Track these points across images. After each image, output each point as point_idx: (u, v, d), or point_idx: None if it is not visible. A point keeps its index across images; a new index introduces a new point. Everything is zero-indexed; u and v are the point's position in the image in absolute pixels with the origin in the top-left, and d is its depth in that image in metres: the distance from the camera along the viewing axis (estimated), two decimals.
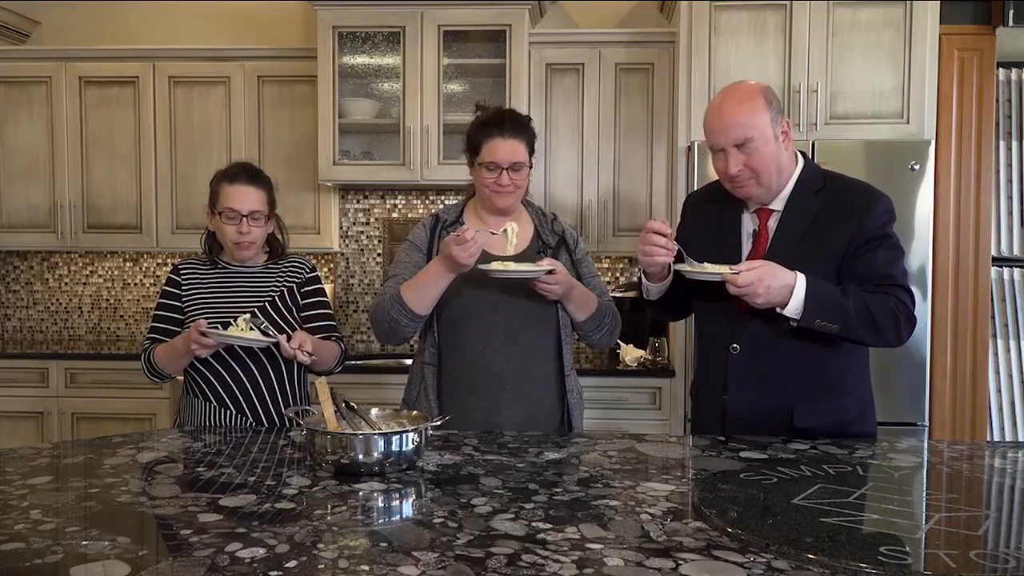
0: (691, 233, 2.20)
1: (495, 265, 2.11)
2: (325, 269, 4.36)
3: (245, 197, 2.29)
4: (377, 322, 2.25)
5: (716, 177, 2.11)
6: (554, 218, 2.39)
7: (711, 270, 1.95)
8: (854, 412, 2.07)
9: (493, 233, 2.23)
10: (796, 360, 2.00)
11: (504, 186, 2.21)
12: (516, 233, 2.22)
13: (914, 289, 2.06)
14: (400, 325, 2.19)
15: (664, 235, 2.00)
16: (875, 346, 2.02)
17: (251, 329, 2.15)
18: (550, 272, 2.11)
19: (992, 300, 3.58)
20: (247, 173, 2.35)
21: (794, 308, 1.90)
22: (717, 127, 1.99)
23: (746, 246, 2.08)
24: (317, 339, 2.29)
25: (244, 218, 2.28)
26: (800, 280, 1.90)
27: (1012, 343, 3.61)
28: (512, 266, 2.12)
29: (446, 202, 4.16)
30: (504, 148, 2.21)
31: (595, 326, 2.31)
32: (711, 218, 2.16)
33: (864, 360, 2.11)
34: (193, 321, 2.21)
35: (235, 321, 2.18)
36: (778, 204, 2.06)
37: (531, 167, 2.28)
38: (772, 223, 2.06)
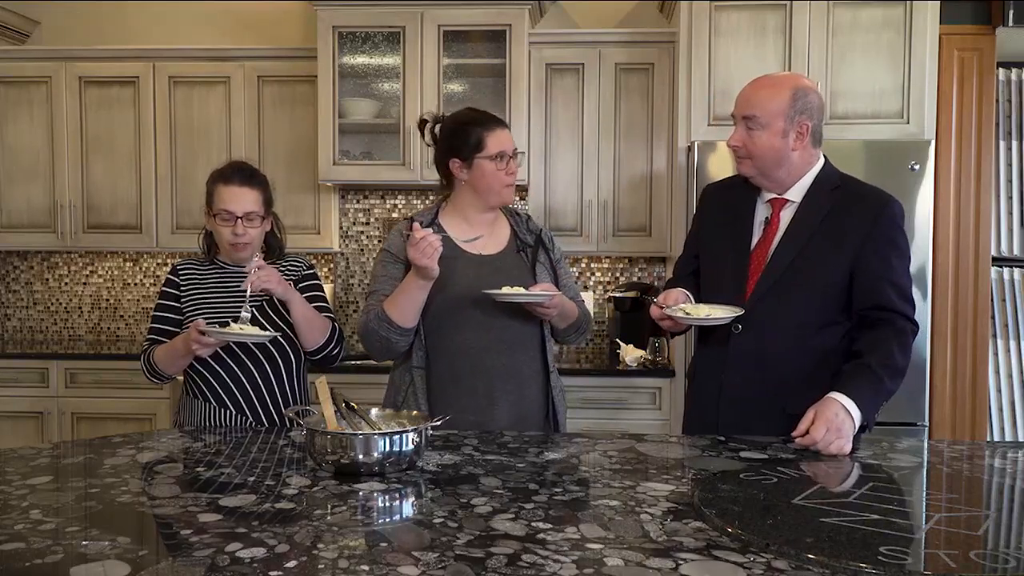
0: (706, 221, 2.26)
1: (504, 289, 2.12)
2: (325, 269, 4.36)
3: (240, 199, 2.28)
4: (369, 342, 2.21)
5: (716, 177, 2.13)
6: (528, 218, 2.41)
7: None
8: None
9: (465, 241, 2.23)
10: (796, 344, 2.03)
11: (512, 174, 2.24)
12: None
13: (914, 289, 2.09)
14: (392, 342, 2.18)
15: (661, 308, 2.06)
16: None
17: (247, 321, 2.16)
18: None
19: (992, 300, 3.58)
20: (242, 174, 2.32)
21: (857, 421, 1.89)
22: (738, 97, 2.11)
23: (756, 233, 2.12)
24: (306, 302, 2.29)
25: (239, 219, 2.27)
26: (848, 401, 1.87)
27: (1012, 343, 3.61)
28: (520, 290, 2.12)
29: None
30: (508, 136, 2.27)
31: (572, 331, 2.35)
32: (726, 205, 2.21)
33: None
34: (192, 321, 2.21)
35: (234, 321, 2.18)
36: (795, 195, 2.10)
37: None
38: (785, 214, 2.10)
